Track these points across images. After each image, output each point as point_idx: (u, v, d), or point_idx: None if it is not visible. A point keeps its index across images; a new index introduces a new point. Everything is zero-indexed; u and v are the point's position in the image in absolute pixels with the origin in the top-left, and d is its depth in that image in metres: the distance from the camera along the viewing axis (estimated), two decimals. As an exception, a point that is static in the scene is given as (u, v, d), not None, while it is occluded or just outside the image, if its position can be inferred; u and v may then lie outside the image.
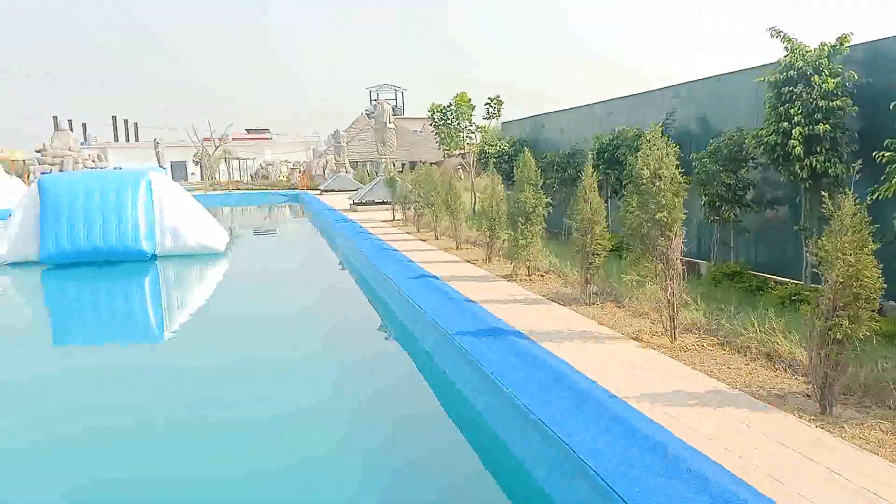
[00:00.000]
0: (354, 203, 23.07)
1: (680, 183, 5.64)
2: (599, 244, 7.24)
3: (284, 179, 48.26)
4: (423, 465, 4.66)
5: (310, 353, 7.51)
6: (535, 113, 15.74)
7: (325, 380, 6.52)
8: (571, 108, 13.76)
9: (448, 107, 20.37)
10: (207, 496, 4.25)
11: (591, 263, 7.32)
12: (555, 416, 4.20)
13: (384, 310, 9.11)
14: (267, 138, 67.44)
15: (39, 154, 45.48)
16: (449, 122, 19.92)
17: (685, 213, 5.72)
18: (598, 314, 6.84)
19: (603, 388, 4.59)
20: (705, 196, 8.13)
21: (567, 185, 11.92)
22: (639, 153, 5.94)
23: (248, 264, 15.39)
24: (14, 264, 13.33)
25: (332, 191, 33.82)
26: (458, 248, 12.13)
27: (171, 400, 6.09)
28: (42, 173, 36.63)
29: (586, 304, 7.27)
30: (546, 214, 9.14)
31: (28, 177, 44.59)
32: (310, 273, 13.65)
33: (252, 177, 53.68)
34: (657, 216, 5.55)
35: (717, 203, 8.03)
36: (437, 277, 8.93)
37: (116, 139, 75.59)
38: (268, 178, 50.03)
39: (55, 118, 48.19)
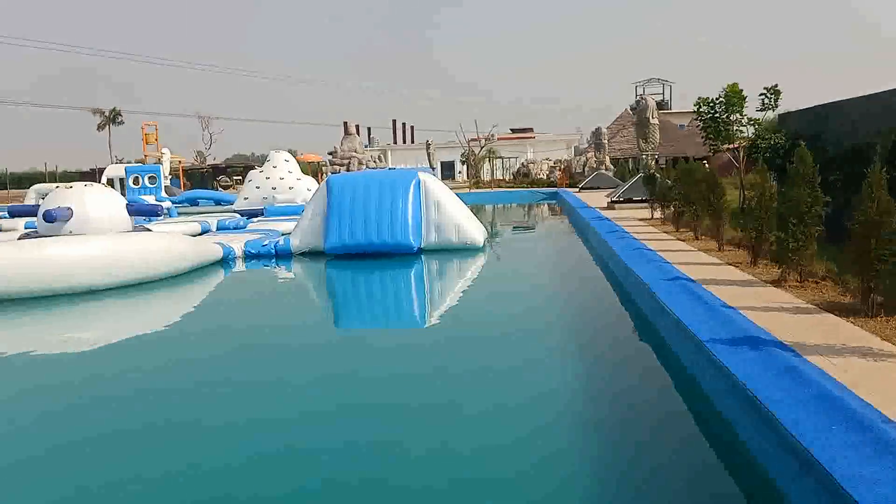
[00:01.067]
0: (612, 201, 22.69)
1: None
2: (887, 249, 6.32)
3: (544, 177, 48.95)
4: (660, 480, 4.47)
5: (553, 347, 7.57)
6: (821, 102, 14.18)
7: (564, 377, 6.53)
8: (864, 96, 12.16)
9: (717, 99, 19.13)
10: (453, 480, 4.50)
11: (875, 271, 6.43)
12: (815, 440, 3.77)
13: (633, 310, 8.86)
14: (530, 137, 68.92)
15: (331, 156, 51.26)
16: (717, 115, 18.71)
17: None
18: (882, 328, 5.98)
19: (884, 416, 4.02)
20: None
21: (855, 184, 10.55)
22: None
23: (504, 259, 15.93)
24: (304, 254, 15.20)
25: (591, 188, 33.58)
26: (720, 249, 11.37)
27: (423, 384, 6.53)
28: (332, 173, 41.03)
29: (867, 317, 6.39)
30: (824, 215, 8.21)
31: (321, 176, 50.28)
32: (561, 269, 13.77)
33: (514, 175, 55.21)
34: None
35: None
36: (692, 280, 8.47)
37: (395, 141, 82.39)
38: (528, 177, 51.11)
39: (345, 123, 53.85)
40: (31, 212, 15.33)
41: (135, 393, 6.49)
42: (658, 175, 18.86)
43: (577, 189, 35.19)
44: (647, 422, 5.37)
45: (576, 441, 5.03)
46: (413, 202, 14.71)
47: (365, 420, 5.49)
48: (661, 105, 48.32)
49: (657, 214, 17.78)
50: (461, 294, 11.60)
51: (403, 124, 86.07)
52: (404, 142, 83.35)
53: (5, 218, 24.78)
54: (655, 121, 24.20)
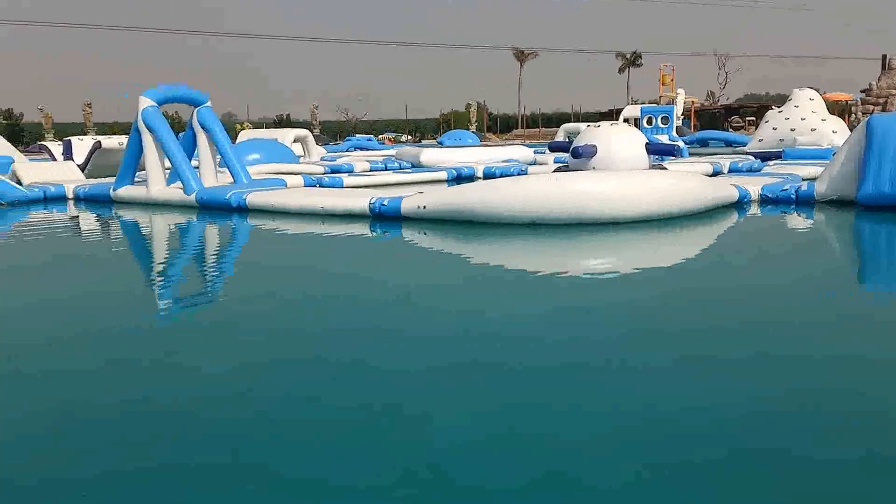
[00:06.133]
0: None
1: None
2: None
3: None
4: None
5: None
6: None
7: None
8: None
9: None
10: None
11: None
12: None
13: None
14: None
15: (863, 94, 44.97)
16: None
17: None
18: None
19: None
20: None
21: None
22: None
23: None
24: (830, 202, 13.72)
25: None
26: None
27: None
28: (863, 114, 36.21)
29: None
30: None
31: (847, 118, 44.95)
32: None
33: None
34: None
35: None
36: None
37: (951, 75, 67.99)
38: None
39: (883, 57, 46.50)
40: (564, 147, 17.17)
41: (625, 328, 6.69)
42: None
43: None
44: None
45: None
46: None
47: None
48: None
49: None
50: None
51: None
52: (965, 75, 68.16)
53: (540, 153, 28.60)
54: None
